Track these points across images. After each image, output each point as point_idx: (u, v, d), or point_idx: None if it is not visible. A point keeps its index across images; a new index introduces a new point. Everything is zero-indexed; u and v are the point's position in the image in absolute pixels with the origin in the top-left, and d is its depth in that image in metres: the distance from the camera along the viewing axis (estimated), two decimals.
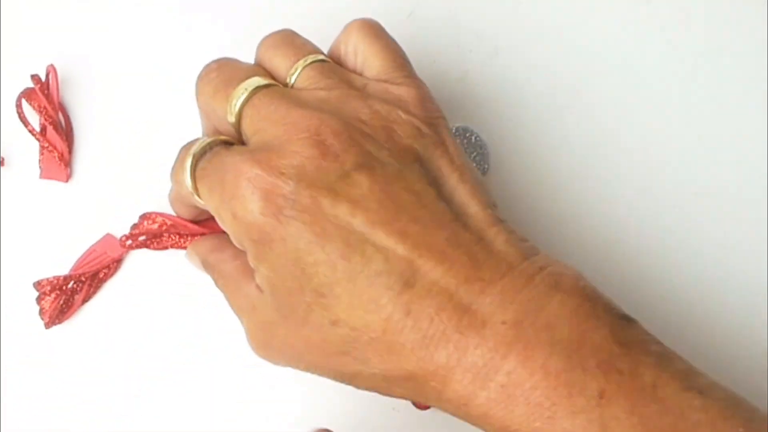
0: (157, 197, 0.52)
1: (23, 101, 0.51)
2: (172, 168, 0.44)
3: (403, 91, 0.41)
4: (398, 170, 0.38)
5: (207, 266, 0.46)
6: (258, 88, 0.41)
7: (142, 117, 0.53)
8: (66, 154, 0.52)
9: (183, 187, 0.43)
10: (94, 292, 0.51)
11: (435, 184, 0.39)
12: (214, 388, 0.50)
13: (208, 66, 0.44)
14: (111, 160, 0.52)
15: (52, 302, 0.50)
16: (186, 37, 0.53)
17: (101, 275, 0.51)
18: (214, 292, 0.51)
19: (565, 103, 0.53)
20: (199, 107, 0.45)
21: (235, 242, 0.40)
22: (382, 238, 0.37)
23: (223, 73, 0.43)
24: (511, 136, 0.53)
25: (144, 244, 0.50)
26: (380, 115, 0.40)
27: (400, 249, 0.37)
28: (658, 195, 0.52)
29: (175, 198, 0.47)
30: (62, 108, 0.52)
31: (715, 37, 0.53)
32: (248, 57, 0.53)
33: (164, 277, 0.52)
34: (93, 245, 0.51)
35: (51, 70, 0.51)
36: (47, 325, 0.50)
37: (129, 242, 0.50)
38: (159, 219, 0.50)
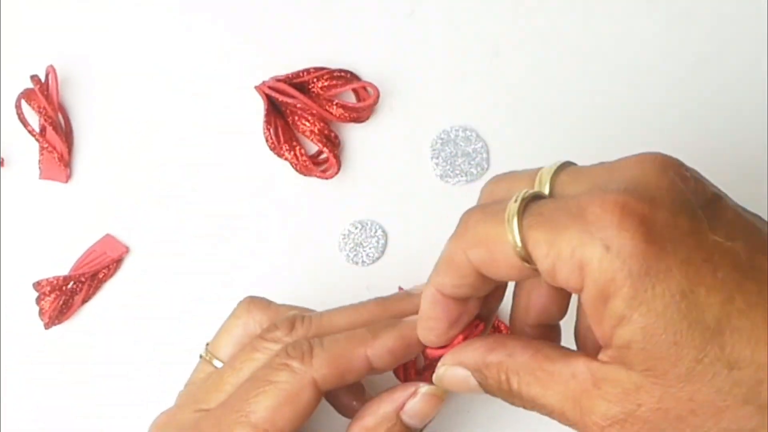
0: (157, 197, 0.52)
1: (23, 102, 0.51)
2: (454, 236, 0.37)
3: None
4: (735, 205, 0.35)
5: (489, 369, 0.37)
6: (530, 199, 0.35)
7: (142, 117, 0.53)
8: (66, 155, 0.52)
9: (494, 248, 0.35)
10: (94, 292, 0.51)
11: None
12: None
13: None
14: (111, 160, 0.52)
15: (52, 302, 0.49)
16: (186, 37, 0.53)
17: (101, 275, 0.51)
18: (215, 291, 0.51)
19: (564, 103, 0.53)
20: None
21: (593, 292, 0.33)
22: None
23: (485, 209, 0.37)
24: (511, 136, 0.53)
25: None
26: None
27: None
28: None
29: (440, 287, 0.38)
30: (62, 108, 0.52)
31: (715, 37, 0.53)
32: (248, 56, 0.53)
33: (164, 277, 0.52)
34: (93, 245, 0.51)
35: (51, 70, 0.51)
36: (47, 326, 0.50)
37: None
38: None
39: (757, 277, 0.32)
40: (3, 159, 0.52)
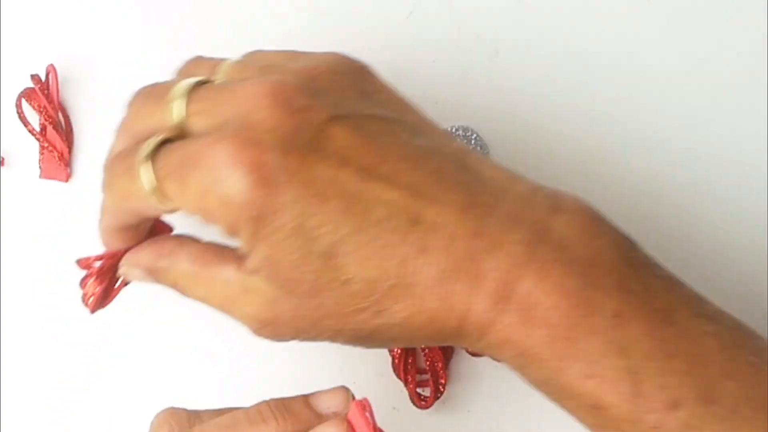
0: None
1: (23, 101, 0.51)
2: (106, 189, 0.42)
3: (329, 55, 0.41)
4: (367, 115, 0.38)
5: (158, 273, 0.42)
6: (196, 85, 0.39)
7: None
8: (66, 154, 0.51)
9: (134, 200, 0.40)
10: None
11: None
12: (214, 388, 0.50)
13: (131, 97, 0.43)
14: None
15: (98, 282, 0.45)
16: (186, 37, 0.53)
17: None
18: None
19: (565, 103, 0.53)
20: (119, 132, 0.42)
21: (225, 230, 0.38)
22: (376, 184, 0.36)
23: (148, 91, 0.42)
24: (511, 136, 0.52)
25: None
26: (329, 68, 0.40)
27: (396, 191, 0.36)
28: (658, 195, 0.52)
29: (110, 227, 0.43)
30: (62, 108, 0.52)
31: (715, 37, 0.53)
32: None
33: None
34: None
35: (51, 70, 0.51)
36: (93, 310, 0.45)
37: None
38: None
39: (363, 196, 0.36)
40: (3, 158, 0.52)
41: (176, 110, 0.39)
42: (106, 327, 0.51)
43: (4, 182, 0.52)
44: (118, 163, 0.40)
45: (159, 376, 0.51)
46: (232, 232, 0.38)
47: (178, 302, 0.51)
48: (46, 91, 0.51)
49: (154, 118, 0.40)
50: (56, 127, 0.51)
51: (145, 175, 0.38)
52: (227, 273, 0.39)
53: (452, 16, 0.53)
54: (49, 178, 0.52)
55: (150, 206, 0.39)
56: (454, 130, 0.52)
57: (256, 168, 0.36)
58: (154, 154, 0.38)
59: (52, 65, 0.51)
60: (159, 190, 0.38)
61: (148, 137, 0.39)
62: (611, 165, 0.52)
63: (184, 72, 0.43)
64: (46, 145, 0.51)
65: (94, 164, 0.52)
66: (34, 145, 0.52)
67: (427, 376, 0.49)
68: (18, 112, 0.51)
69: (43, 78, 0.51)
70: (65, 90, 0.53)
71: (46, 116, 0.51)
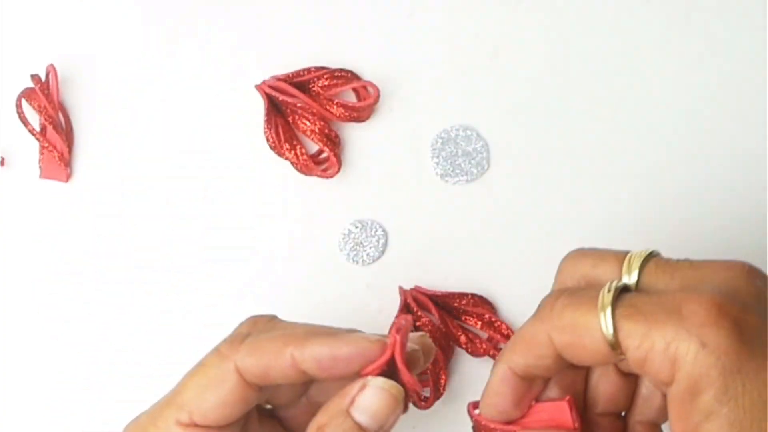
0: (157, 196, 0.52)
1: (23, 101, 0.51)
2: (534, 320, 0.37)
3: None
4: None
5: None
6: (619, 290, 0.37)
7: (142, 116, 0.53)
8: (66, 154, 0.51)
9: (573, 335, 0.36)
10: None
11: None
12: None
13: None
14: (111, 159, 0.52)
15: None
16: (186, 37, 0.53)
17: None
18: (215, 291, 0.51)
19: (565, 103, 0.53)
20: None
21: (682, 385, 0.34)
22: None
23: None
24: (511, 136, 0.52)
25: None
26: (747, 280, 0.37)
27: None
28: (658, 195, 0.52)
29: (509, 371, 0.38)
30: (62, 107, 0.52)
31: (715, 37, 0.53)
32: (248, 56, 0.53)
33: (165, 277, 0.52)
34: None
35: (51, 69, 0.51)
36: None
37: None
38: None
39: None
40: (3, 158, 0.52)
41: (631, 270, 0.37)
42: (106, 327, 0.51)
43: (4, 182, 0.52)
44: (564, 296, 0.37)
45: (159, 376, 0.51)
46: (693, 389, 0.34)
47: (178, 302, 0.51)
48: (46, 91, 0.51)
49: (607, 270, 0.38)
50: (56, 127, 0.51)
51: (605, 314, 0.35)
52: None
53: (452, 16, 0.53)
54: (49, 178, 0.52)
55: (587, 348, 0.36)
56: (454, 130, 0.52)
57: (739, 324, 0.34)
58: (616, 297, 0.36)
59: (52, 65, 0.51)
60: (614, 334, 0.35)
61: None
62: (611, 165, 0.52)
63: (570, 267, 0.40)
64: (46, 145, 0.51)
65: (94, 164, 0.52)
66: (34, 145, 0.52)
67: (427, 376, 0.49)
68: (18, 112, 0.51)
69: (43, 77, 0.51)
70: (65, 90, 0.53)
71: (46, 116, 0.51)
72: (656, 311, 0.35)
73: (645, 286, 0.37)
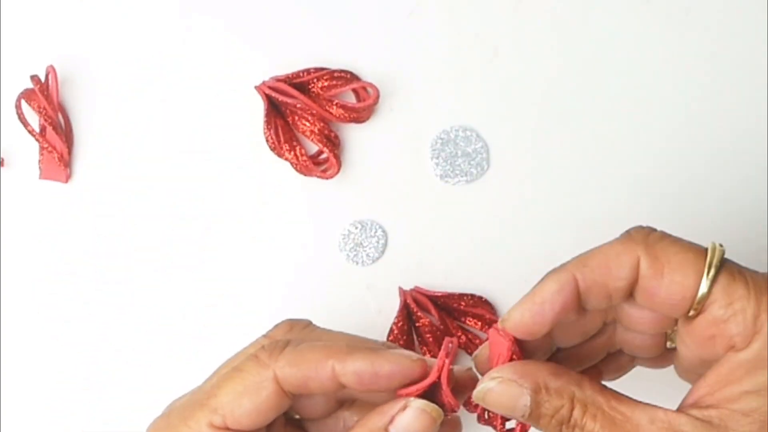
0: (157, 197, 0.52)
1: (23, 101, 0.51)
2: (606, 254, 0.38)
3: None
4: None
5: (549, 392, 0.37)
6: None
7: (141, 117, 0.53)
8: (66, 155, 0.51)
9: (673, 277, 0.36)
10: None
11: None
12: None
13: None
14: (111, 160, 0.52)
15: None
16: (186, 37, 0.53)
17: None
18: (215, 291, 0.52)
19: (564, 103, 0.53)
20: None
21: (758, 350, 0.35)
22: None
23: None
24: (511, 136, 0.52)
25: None
26: None
27: None
28: (657, 194, 0.52)
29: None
30: (62, 108, 0.52)
31: (715, 37, 0.53)
32: (248, 56, 0.53)
33: (165, 277, 0.52)
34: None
35: (51, 70, 0.51)
36: None
37: None
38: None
39: None
40: (3, 159, 0.52)
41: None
42: (106, 327, 0.51)
43: (4, 182, 0.52)
44: (660, 232, 0.38)
45: (159, 376, 0.51)
46: (763, 361, 0.35)
47: (178, 302, 0.51)
48: (45, 92, 0.51)
49: None
50: (56, 127, 0.51)
51: (712, 261, 0.36)
52: (653, 412, 0.36)
53: (452, 16, 0.53)
54: (49, 178, 0.52)
55: (672, 286, 0.36)
56: (454, 130, 0.52)
57: None
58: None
59: (51, 66, 0.51)
60: (710, 285, 0.36)
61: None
62: (611, 165, 0.52)
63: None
64: (45, 145, 0.51)
65: (94, 165, 0.52)
66: (34, 146, 0.52)
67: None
68: (18, 113, 0.51)
69: (42, 78, 0.51)
70: (65, 90, 0.53)
71: (45, 117, 0.51)
72: (756, 278, 0.36)
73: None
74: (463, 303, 0.51)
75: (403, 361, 0.38)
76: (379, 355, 0.38)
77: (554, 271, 0.38)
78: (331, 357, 0.38)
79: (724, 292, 0.36)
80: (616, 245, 0.37)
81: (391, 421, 0.38)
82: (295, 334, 0.41)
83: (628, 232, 0.38)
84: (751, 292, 0.35)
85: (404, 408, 0.38)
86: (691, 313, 0.36)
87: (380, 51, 0.53)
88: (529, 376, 0.37)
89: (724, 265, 0.36)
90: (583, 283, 0.37)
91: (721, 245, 0.37)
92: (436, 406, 0.38)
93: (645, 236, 0.37)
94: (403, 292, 0.51)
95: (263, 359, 0.38)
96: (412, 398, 0.38)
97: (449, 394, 0.38)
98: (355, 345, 0.39)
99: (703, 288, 0.36)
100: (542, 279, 0.38)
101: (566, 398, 0.36)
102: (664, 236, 0.37)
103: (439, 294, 0.51)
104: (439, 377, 0.38)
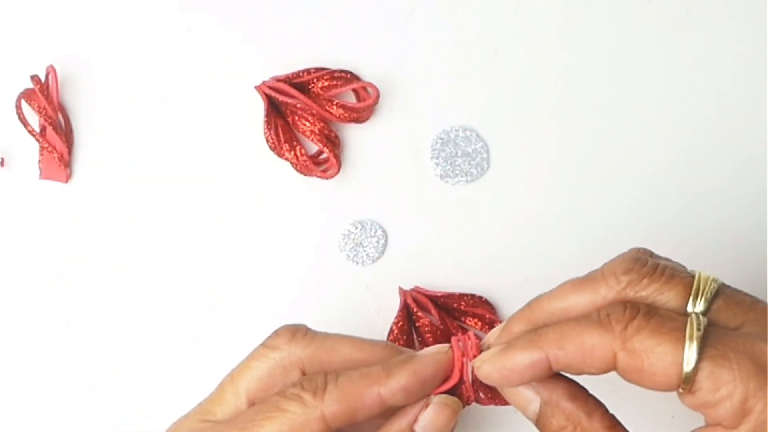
0: (157, 197, 0.52)
1: (23, 101, 0.51)
2: (579, 343, 0.37)
3: None
4: None
5: (560, 411, 0.38)
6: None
7: (142, 117, 0.53)
8: (66, 155, 0.52)
9: (638, 360, 0.36)
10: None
11: None
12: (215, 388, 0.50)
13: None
14: (111, 160, 0.52)
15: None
16: (186, 37, 0.53)
17: None
18: (215, 291, 0.52)
19: (564, 103, 0.53)
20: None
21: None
22: None
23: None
24: (511, 136, 0.53)
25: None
26: None
27: None
28: (658, 195, 0.52)
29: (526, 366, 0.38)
30: (62, 108, 0.52)
31: (715, 37, 0.53)
32: (248, 56, 0.53)
33: (165, 277, 0.52)
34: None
35: (51, 70, 0.51)
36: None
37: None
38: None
39: None
40: (3, 159, 0.52)
41: (705, 298, 0.37)
42: (106, 327, 0.51)
43: (4, 182, 0.52)
44: (640, 318, 0.36)
45: (159, 376, 0.51)
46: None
47: (178, 302, 0.51)
48: (45, 92, 0.51)
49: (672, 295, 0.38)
50: (56, 127, 0.51)
51: (690, 351, 0.35)
52: None
53: (452, 16, 0.53)
54: (49, 178, 0.52)
55: (654, 377, 0.36)
56: (454, 130, 0.52)
57: None
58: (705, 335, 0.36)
59: (51, 66, 0.51)
60: (693, 371, 0.35)
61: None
62: (611, 165, 0.52)
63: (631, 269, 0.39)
64: (45, 145, 0.51)
65: (94, 165, 0.52)
66: (34, 146, 0.52)
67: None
68: (18, 113, 0.51)
69: (42, 78, 0.51)
70: (65, 90, 0.53)
71: (45, 117, 0.51)
72: (742, 360, 0.35)
73: (712, 320, 0.37)
74: (463, 303, 0.51)
75: (440, 359, 0.40)
76: (416, 362, 0.39)
77: (529, 339, 0.38)
78: (374, 384, 0.39)
79: (708, 379, 0.35)
80: (593, 333, 0.36)
81: (415, 420, 0.39)
82: (298, 343, 0.41)
83: (607, 314, 0.37)
84: (737, 377, 0.35)
85: (426, 405, 0.40)
86: (680, 390, 0.36)
87: (380, 51, 0.53)
88: (545, 388, 0.39)
89: (705, 349, 0.35)
90: (556, 364, 0.37)
91: (703, 317, 0.36)
92: (455, 399, 0.40)
93: (623, 327, 0.36)
94: (403, 292, 0.51)
95: (308, 401, 0.38)
96: (432, 395, 0.40)
97: (470, 389, 0.40)
98: (389, 364, 0.39)
99: (678, 376, 0.35)
100: (516, 341, 0.38)
101: (571, 423, 0.38)
102: (643, 323, 0.36)
103: (439, 294, 0.51)
104: (461, 376, 0.40)
